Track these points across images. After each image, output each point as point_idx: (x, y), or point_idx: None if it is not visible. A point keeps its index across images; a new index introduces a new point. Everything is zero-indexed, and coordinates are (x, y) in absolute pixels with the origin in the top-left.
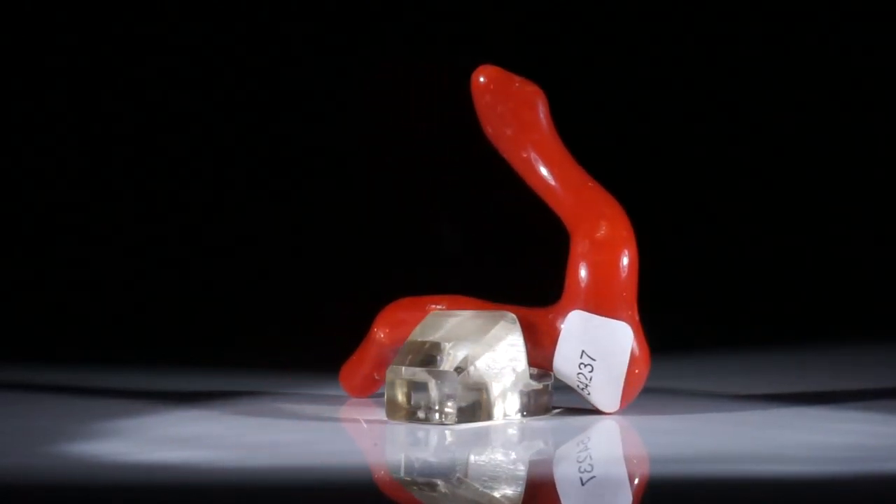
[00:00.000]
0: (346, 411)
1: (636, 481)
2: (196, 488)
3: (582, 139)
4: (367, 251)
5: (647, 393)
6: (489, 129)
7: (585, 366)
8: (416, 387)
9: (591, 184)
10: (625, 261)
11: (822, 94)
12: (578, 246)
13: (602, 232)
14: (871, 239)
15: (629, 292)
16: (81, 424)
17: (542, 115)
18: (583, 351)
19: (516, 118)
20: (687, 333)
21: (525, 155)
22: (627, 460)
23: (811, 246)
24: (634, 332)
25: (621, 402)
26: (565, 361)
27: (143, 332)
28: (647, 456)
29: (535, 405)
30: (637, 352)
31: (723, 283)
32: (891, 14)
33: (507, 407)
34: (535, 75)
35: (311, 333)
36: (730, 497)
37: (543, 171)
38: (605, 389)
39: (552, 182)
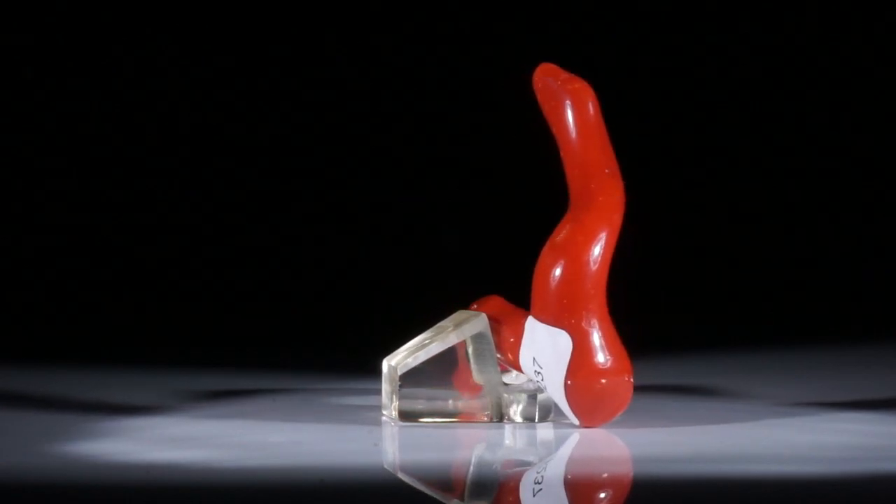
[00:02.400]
0: (346, 411)
1: (602, 494)
2: (196, 488)
3: None
4: (366, 251)
5: (645, 393)
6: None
7: (538, 373)
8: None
9: (595, 185)
10: (569, 267)
11: (821, 94)
12: (543, 249)
13: (560, 237)
14: (872, 239)
15: (572, 300)
16: (81, 424)
17: (588, 113)
18: (534, 358)
19: (555, 117)
20: (685, 333)
21: (563, 154)
22: (601, 466)
23: (811, 246)
24: (606, 338)
25: (580, 414)
26: (526, 368)
27: (143, 332)
28: (619, 461)
29: (524, 410)
30: (596, 362)
31: (721, 283)
32: (891, 14)
33: (475, 409)
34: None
35: (311, 333)
36: (730, 497)
37: (570, 171)
38: (559, 400)
39: (571, 184)
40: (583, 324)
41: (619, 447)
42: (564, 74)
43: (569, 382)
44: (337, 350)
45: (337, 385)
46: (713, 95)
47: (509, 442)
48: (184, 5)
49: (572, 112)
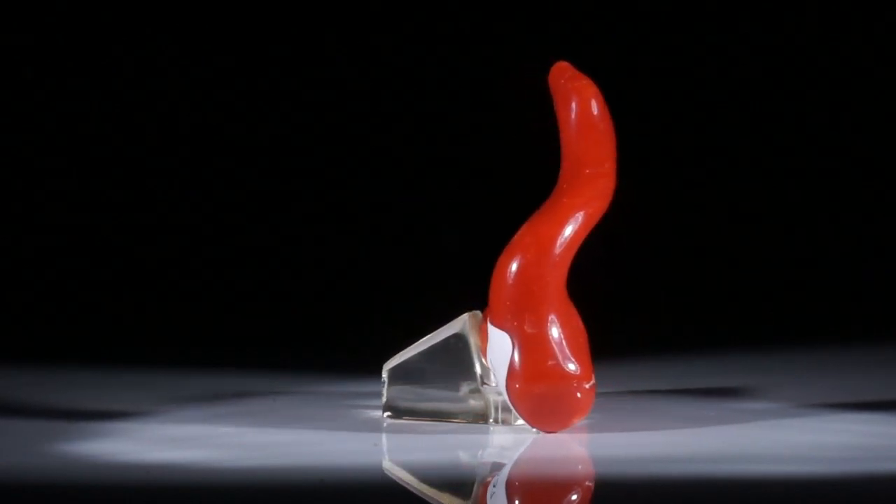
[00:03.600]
0: (345, 411)
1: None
2: (196, 488)
3: None
4: (366, 251)
5: (644, 394)
6: None
7: (494, 376)
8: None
9: (568, 185)
10: (516, 268)
11: (821, 94)
12: None
13: (515, 237)
14: (872, 239)
15: (514, 301)
16: (81, 424)
17: (588, 111)
18: (491, 359)
19: (559, 114)
20: (685, 333)
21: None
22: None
23: (811, 246)
24: (562, 342)
25: (527, 418)
26: (492, 371)
27: (143, 332)
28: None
29: (504, 413)
30: (537, 366)
31: (721, 283)
32: (891, 14)
33: (451, 410)
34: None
35: (311, 333)
36: (730, 497)
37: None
38: (509, 403)
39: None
40: (525, 326)
41: (578, 450)
42: (571, 72)
43: (516, 386)
44: (337, 350)
45: (337, 385)
46: (713, 95)
47: (484, 443)
48: (184, 5)
49: (573, 109)
